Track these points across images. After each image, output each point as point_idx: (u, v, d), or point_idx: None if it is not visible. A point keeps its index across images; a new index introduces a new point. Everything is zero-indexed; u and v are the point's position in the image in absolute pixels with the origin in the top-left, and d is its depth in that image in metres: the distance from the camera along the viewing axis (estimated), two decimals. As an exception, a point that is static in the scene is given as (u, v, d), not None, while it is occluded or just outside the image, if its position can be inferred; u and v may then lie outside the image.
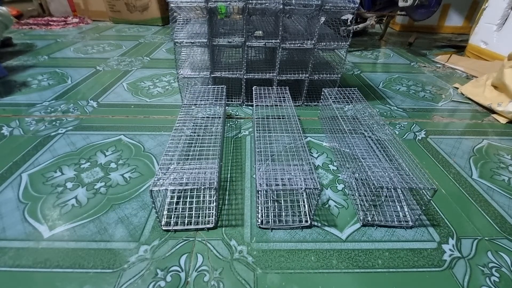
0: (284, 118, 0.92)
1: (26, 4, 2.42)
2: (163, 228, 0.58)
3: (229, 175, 0.73)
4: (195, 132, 0.85)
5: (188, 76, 1.02)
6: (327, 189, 0.70)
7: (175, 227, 0.58)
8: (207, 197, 0.65)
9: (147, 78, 1.31)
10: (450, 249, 0.56)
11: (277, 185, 0.56)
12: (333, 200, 0.67)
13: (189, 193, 0.67)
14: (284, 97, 0.92)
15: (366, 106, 0.90)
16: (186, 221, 0.59)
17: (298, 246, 0.56)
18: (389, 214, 0.63)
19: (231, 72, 1.03)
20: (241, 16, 1.19)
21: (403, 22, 2.34)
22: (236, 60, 1.26)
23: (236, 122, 0.97)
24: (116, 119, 0.96)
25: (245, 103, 1.09)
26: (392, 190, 0.69)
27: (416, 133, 0.94)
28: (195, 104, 0.86)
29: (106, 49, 1.68)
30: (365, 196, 0.65)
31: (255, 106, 0.88)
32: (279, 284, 0.49)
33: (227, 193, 0.68)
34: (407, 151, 0.68)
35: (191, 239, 0.56)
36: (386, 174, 0.60)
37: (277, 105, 0.91)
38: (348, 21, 1.69)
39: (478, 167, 0.80)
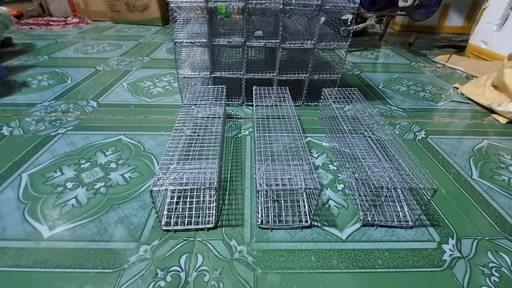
0: (284, 118, 0.92)
1: (26, 4, 2.42)
2: (163, 228, 0.58)
3: (229, 175, 0.73)
4: (195, 132, 0.85)
5: (188, 76, 1.02)
6: (327, 189, 0.70)
7: (175, 227, 0.58)
8: (207, 197, 0.65)
9: (147, 78, 1.31)
10: (450, 249, 0.56)
11: (277, 185, 0.56)
12: (333, 200, 0.67)
13: (189, 193, 0.67)
14: (284, 97, 0.92)
15: (366, 106, 0.90)
16: (186, 221, 0.59)
17: (298, 246, 0.56)
18: (389, 214, 0.63)
19: (231, 72, 1.03)
20: (241, 16, 1.19)
21: (403, 22, 2.34)
22: (236, 60, 1.26)
23: (236, 122, 0.97)
24: (116, 119, 0.96)
25: (245, 103, 1.09)
26: (392, 190, 0.69)
27: (416, 133, 0.94)
28: (195, 104, 0.86)
29: (106, 49, 1.68)
30: (365, 196, 0.65)
31: (255, 106, 0.88)
32: (279, 284, 0.49)
33: (227, 193, 0.68)
34: (407, 151, 0.68)
35: (191, 239, 0.56)
36: (386, 174, 0.60)
37: (277, 105, 0.91)
38: (348, 21, 1.69)
39: (478, 167, 0.80)
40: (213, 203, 0.63)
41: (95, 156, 0.78)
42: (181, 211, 0.62)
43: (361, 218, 0.61)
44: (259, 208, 0.62)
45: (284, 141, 0.83)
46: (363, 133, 0.86)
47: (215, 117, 0.92)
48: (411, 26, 2.32)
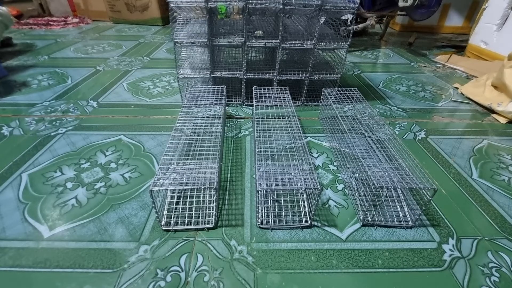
0: (284, 118, 0.92)
1: (26, 4, 2.42)
2: (163, 228, 0.58)
3: (229, 175, 0.73)
4: (195, 132, 0.85)
5: (188, 76, 1.02)
6: (327, 189, 0.70)
7: (175, 227, 0.58)
8: (207, 197, 0.65)
9: (147, 78, 1.31)
10: (450, 249, 0.56)
11: (277, 185, 0.56)
12: (333, 200, 0.67)
13: (189, 193, 0.67)
14: (284, 97, 0.92)
15: (366, 106, 0.90)
16: (186, 221, 0.59)
17: (298, 246, 0.56)
18: (389, 214, 0.63)
19: (231, 72, 1.03)
20: (241, 16, 1.19)
21: (403, 22, 2.34)
22: (236, 60, 1.26)
23: (236, 122, 0.97)
24: (116, 119, 0.96)
25: (245, 103, 1.09)
26: (392, 190, 0.69)
27: (416, 133, 0.94)
28: (195, 104, 0.86)
29: (106, 49, 1.68)
30: (365, 196, 0.65)
31: (255, 106, 0.88)
32: (279, 284, 0.49)
33: (227, 193, 0.68)
34: (407, 151, 0.68)
35: (191, 239, 0.56)
36: (386, 174, 0.60)
37: (277, 105, 0.91)
38: (348, 21, 1.69)
39: (478, 167, 0.80)
40: (213, 203, 0.63)
41: (95, 156, 0.78)
42: (181, 211, 0.62)
43: (361, 218, 0.61)
44: (259, 208, 0.62)
45: (284, 141, 0.83)
46: (363, 133, 0.86)
47: (215, 117, 0.92)
48: (411, 26, 2.32)
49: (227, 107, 1.05)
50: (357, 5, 0.90)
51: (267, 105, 0.89)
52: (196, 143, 0.75)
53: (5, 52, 1.58)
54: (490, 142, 0.91)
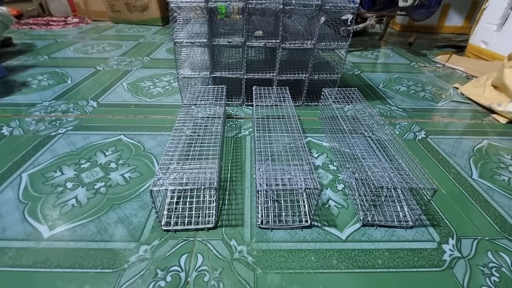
0: (284, 118, 0.92)
1: (26, 4, 2.42)
2: (163, 228, 0.58)
3: (229, 175, 0.73)
4: (195, 132, 0.85)
5: (188, 76, 1.02)
6: (327, 189, 0.70)
7: (175, 227, 0.58)
8: (207, 197, 0.65)
9: (147, 78, 1.31)
10: (450, 249, 0.56)
11: (277, 185, 0.56)
12: (333, 200, 0.67)
13: (189, 193, 0.67)
14: (284, 97, 0.92)
15: (366, 106, 0.90)
16: (186, 221, 0.59)
17: (298, 246, 0.56)
18: (389, 214, 0.63)
19: (231, 72, 1.03)
20: (241, 16, 1.19)
21: (403, 22, 2.34)
22: (236, 60, 1.26)
23: (236, 122, 0.97)
24: (116, 119, 0.96)
25: (245, 103, 1.09)
26: (392, 190, 0.69)
27: (416, 133, 0.94)
28: (195, 104, 0.86)
29: (106, 49, 1.68)
30: (365, 196, 0.65)
31: (255, 106, 0.88)
32: (279, 284, 0.49)
33: (227, 193, 0.68)
34: (407, 151, 0.68)
35: (191, 239, 0.56)
36: (386, 174, 0.60)
37: (277, 105, 0.91)
38: (348, 21, 1.69)
39: (478, 167, 0.80)
40: (213, 203, 0.63)
41: (95, 156, 0.78)
42: (181, 211, 0.62)
43: (361, 218, 0.61)
44: (259, 208, 0.62)
45: (284, 141, 0.83)
46: (363, 133, 0.86)
47: (215, 117, 0.92)
48: (411, 26, 2.32)
49: (227, 107, 1.05)
50: (357, 5, 0.90)
51: (267, 105, 0.89)
52: (196, 143, 0.75)
53: (5, 52, 1.58)
54: (490, 142, 0.91)
